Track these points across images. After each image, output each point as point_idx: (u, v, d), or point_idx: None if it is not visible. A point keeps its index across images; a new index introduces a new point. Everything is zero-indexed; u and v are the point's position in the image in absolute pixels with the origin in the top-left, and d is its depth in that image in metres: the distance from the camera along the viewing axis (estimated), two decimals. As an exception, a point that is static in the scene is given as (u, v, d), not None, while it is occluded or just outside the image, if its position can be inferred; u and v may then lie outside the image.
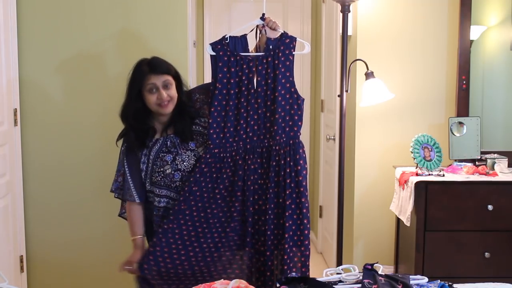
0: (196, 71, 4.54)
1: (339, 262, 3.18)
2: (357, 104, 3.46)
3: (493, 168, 3.19)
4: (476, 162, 3.32)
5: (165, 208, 2.35)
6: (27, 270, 3.21)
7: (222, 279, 1.78)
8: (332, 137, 3.97)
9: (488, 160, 3.23)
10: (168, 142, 2.34)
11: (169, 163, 2.32)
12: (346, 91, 3.10)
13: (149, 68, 2.30)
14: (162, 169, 2.32)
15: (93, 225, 3.26)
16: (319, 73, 4.59)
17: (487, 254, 3.08)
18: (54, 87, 3.17)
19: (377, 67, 3.30)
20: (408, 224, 3.11)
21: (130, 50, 3.15)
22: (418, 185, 3.06)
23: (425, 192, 3.06)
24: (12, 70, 3.01)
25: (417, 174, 3.14)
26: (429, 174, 3.12)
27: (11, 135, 3.03)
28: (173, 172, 2.31)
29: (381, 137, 3.52)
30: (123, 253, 3.24)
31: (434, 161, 3.19)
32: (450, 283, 1.81)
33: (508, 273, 3.07)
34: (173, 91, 2.32)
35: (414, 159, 3.17)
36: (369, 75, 3.15)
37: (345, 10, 3.03)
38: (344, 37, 3.08)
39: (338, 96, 3.18)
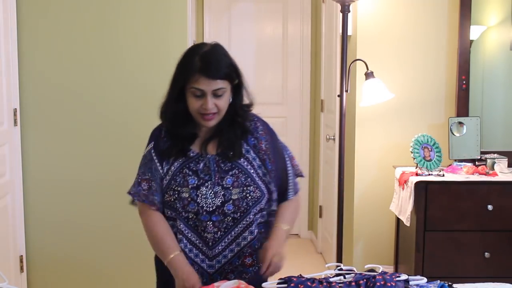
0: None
1: (339, 262, 3.18)
2: (357, 104, 3.46)
3: (493, 168, 3.19)
4: (476, 162, 3.32)
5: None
6: (27, 270, 3.21)
7: (220, 280, 1.77)
8: (332, 137, 3.98)
9: (488, 160, 3.23)
10: (202, 164, 1.80)
11: (189, 188, 1.77)
12: (346, 91, 3.10)
13: (201, 65, 1.71)
14: (179, 189, 1.78)
15: (93, 225, 3.26)
16: (319, 73, 4.59)
17: (487, 254, 3.08)
18: (54, 87, 3.17)
19: (377, 67, 3.29)
20: (408, 224, 3.11)
21: (130, 50, 3.16)
22: (418, 185, 3.06)
23: (425, 192, 3.05)
24: (12, 70, 3.01)
25: (417, 174, 3.14)
26: (429, 174, 3.12)
27: (11, 135, 3.03)
28: (189, 199, 1.77)
29: (381, 137, 3.52)
30: (124, 253, 3.26)
31: (434, 161, 3.19)
32: (450, 283, 1.80)
33: (508, 273, 3.07)
34: (224, 101, 1.76)
35: (414, 159, 3.17)
36: (369, 75, 3.15)
37: (345, 10, 3.03)
38: (344, 37, 3.08)
39: (338, 96, 3.19)
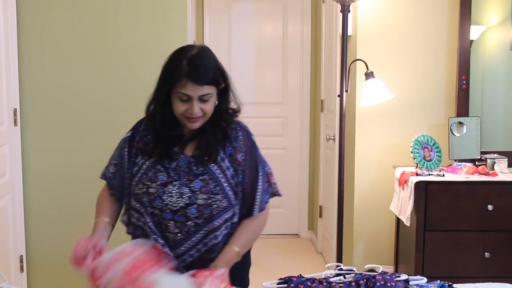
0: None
1: (339, 262, 3.18)
2: (357, 104, 3.46)
3: (493, 168, 3.19)
4: (476, 162, 3.32)
5: (140, 229, 1.86)
6: (27, 270, 3.21)
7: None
8: (332, 137, 3.98)
9: (488, 160, 3.23)
10: (175, 163, 1.81)
11: (158, 184, 1.79)
12: (346, 91, 3.10)
13: (188, 70, 1.70)
14: (148, 183, 1.80)
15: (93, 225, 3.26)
16: (319, 73, 4.59)
17: (487, 254, 3.08)
18: (54, 87, 3.17)
19: (377, 67, 3.30)
20: (408, 224, 3.11)
21: (130, 50, 3.16)
22: (418, 185, 3.06)
23: (425, 192, 3.05)
24: (12, 70, 3.01)
25: (417, 174, 3.14)
26: (429, 174, 3.12)
27: (11, 135, 3.03)
28: (156, 195, 1.79)
29: (381, 137, 3.52)
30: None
31: (434, 161, 3.19)
32: (450, 283, 1.80)
33: (508, 273, 3.07)
34: (210, 106, 1.76)
35: (414, 159, 3.17)
36: (369, 75, 3.15)
37: (345, 10, 3.03)
38: (344, 37, 3.08)
39: (338, 96, 3.19)
